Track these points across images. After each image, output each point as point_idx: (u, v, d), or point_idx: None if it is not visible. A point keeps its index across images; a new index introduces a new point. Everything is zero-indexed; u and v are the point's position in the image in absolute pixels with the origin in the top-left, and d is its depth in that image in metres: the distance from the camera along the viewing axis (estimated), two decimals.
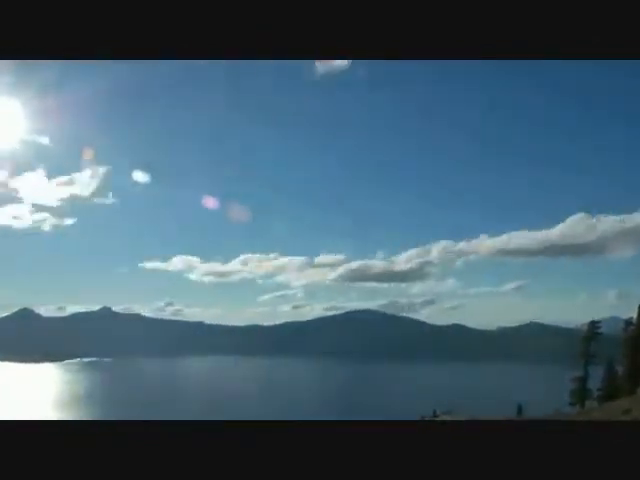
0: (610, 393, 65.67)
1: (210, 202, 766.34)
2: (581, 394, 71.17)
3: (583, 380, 72.04)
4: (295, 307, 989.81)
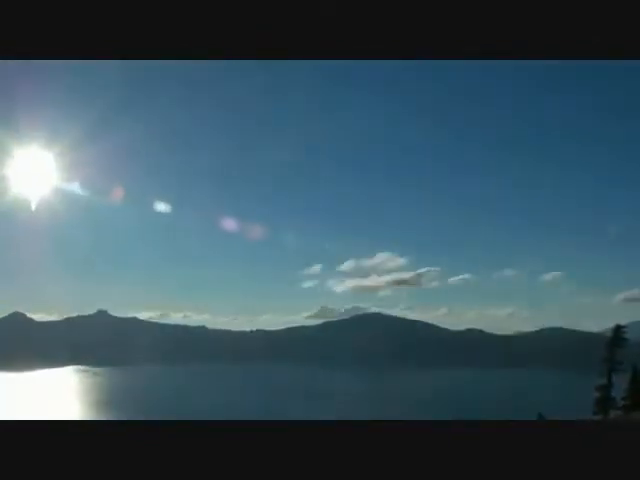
0: (635, 402, 65.90)
1: (230, 224, 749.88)
2: (605, 403, 71.35)
3: (607, 388, 72.20)
4: None
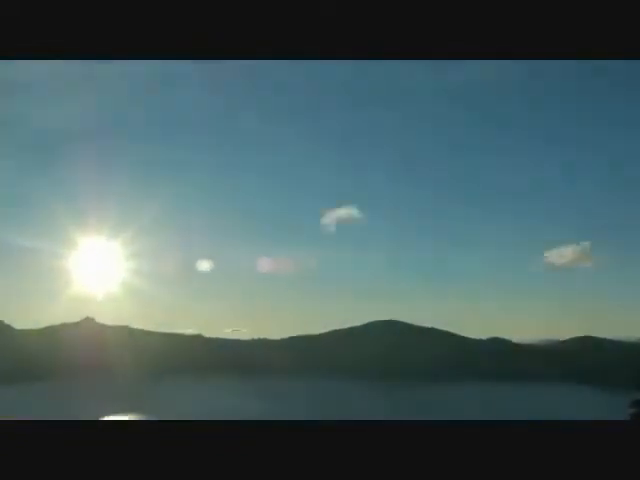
0: None
1: (266, 264, 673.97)
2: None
3: None
4: None
